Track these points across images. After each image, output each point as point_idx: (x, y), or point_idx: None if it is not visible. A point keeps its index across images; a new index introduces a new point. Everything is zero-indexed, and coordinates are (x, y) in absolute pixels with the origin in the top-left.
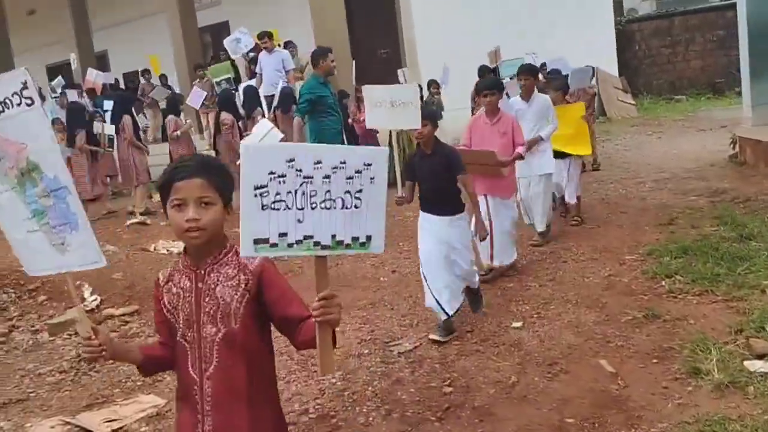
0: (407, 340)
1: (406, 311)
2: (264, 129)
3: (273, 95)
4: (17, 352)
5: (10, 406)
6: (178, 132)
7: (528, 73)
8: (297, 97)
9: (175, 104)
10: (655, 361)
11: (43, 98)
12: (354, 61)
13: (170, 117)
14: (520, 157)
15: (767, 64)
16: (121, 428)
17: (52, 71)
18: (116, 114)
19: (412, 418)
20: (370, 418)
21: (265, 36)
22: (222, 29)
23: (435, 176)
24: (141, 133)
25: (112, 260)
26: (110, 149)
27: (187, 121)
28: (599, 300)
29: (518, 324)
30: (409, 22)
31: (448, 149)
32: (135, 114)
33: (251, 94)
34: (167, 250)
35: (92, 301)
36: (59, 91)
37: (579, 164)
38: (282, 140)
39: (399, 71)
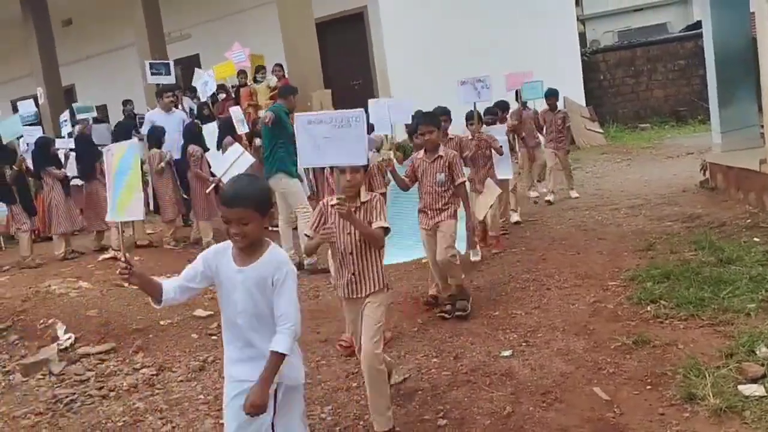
0: (397, 371)
1: (391, 342)
2: (235, 154)
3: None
4: None
5: None
6: (162, 164)
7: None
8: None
9: (158, 137)
10: (649, 387)
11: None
12: (330, 90)
13: (153, 150)
14: None
15: (734, 91)
16: None
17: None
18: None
19: None
20: None
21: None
22: (192, 62)
23: None
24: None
25: (86, 297)
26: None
27: (169, 152)
28: (587, 327)
29: (507, 352)
30: (381, 52)
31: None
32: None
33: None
34: None
35: (66, 339)
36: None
37: None
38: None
39: (370, 101)
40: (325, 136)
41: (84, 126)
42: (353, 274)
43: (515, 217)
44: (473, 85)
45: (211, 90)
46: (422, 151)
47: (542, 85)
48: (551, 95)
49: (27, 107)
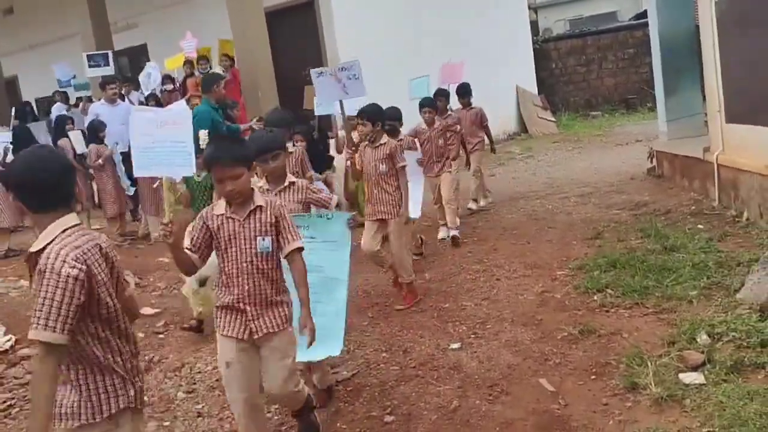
0: (345, 367)
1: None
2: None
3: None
4: None
5: None
6: (100, 160)
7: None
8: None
9: (95, 132)
10: (593, 377)
11: None
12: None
13: (91, 146)
14: None
15: (679, 80)
16: None
17: None
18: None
19: None
20: None
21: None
22: (140, 52)
23: None
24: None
25: (27, 296)
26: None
27: (110, 147)
28: (534, 317)
29: (456, 345)
30: (333, 42)
31: None
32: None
33: None
34: None
35: (6, 341)
36: None
37: None
38: None
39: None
40: None
41: (83, 105)
42: None
43: (443, 233)
44: (335, 76)
45: (155, 81)
46: (221, 203)
47: (428, 81)
48: (439, 96)
49: (63, 70)
